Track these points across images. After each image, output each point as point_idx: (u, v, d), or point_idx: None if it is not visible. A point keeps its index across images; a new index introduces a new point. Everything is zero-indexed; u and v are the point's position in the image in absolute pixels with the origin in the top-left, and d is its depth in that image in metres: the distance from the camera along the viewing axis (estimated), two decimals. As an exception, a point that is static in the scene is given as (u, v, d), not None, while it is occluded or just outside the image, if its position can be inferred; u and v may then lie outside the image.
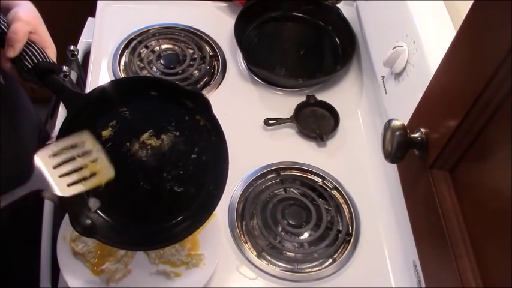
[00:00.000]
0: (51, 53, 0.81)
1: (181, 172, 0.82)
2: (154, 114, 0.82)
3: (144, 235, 0.81)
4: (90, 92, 0.79)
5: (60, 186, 0.72)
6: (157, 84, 0.82)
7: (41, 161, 0.71)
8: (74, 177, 0.74)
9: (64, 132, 0.75)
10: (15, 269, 1.02)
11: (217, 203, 0.80)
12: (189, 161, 0.82)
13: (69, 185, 0.73)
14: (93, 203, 0.79)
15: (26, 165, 0.97)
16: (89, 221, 0.77)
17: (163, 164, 0.82)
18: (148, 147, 0.81)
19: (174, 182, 0.82)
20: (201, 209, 0.81)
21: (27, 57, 0.77)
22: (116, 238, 0.79)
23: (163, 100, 0.81)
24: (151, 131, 0.81)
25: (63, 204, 0.75)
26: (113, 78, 1.13)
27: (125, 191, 0.82)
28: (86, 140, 0.76)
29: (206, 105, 0.79)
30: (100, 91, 0.79)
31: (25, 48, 0.77)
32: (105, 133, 0.80)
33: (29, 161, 0.96)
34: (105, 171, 0.77)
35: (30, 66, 0.77)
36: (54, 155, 0.73)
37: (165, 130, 0.82)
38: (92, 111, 0.78)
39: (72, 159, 0.74)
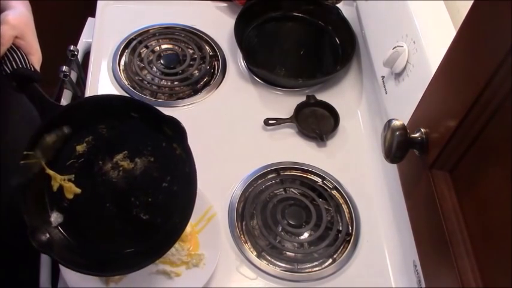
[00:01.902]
0: (35, 60, 0.79)
1: (150, 200, 0.80)
2: (132, 136, 0.80)
3: (101, 259, 0.78)
4: (67, 105, 0.77)
5: None
6: (138, 107, 0.80)
7: None
8: None
9: (33, 143, 0.75)
10: (15, 269, 1.02)
11: (179, 237, 0.77)
12: (160, 189, 0.80)
13: None
14: (55, 217, 0.78)
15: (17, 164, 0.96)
16: (46, 237, 0.74)
17: (132, 188, 0.80)
18: (121, 168, 0.80)
19: (141, 208, 0.79)
20: (163, 241, 0.77)
21: (7, 62, 0.75)
22: (70, 258, 0.75)
23: (143, 123, 0.79)
24: (126, 152, 0.80)
25: (24, 215, 0.73)
26: (113, 79, 1.13)
27: (89, 210, 0.80)
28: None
29: (182, 134, 0.76)
30: (79, 105, 0.77)
31: (7, 53, 0.75)
32: (80, 148, 0.79)
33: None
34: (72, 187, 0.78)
35: (8, 71, 0.75)
36: None
37: (140, 154, 0.80)
38: (70, 124, 0.77)
39: None
